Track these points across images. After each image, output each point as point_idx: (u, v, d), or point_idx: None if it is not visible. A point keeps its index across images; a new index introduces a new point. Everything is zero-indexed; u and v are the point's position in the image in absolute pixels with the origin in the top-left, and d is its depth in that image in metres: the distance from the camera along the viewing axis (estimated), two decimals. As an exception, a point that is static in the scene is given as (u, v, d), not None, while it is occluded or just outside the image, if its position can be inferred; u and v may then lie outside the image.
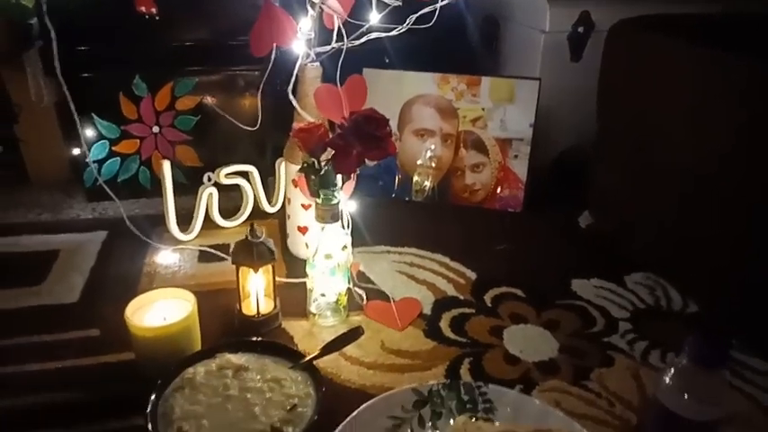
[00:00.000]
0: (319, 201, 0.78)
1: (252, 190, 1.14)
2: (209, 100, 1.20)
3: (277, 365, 0.71)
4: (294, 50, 0.86)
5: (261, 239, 0.80)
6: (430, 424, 0.69)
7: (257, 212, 1.15)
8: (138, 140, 1.20)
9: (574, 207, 1.23)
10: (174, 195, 1.09)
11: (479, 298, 0.95)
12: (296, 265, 1.00)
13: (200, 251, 1.05)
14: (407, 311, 0.90)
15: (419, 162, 1.27)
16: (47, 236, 1.09)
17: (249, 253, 0.79)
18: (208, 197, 1.08)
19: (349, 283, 0.86)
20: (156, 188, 1.23)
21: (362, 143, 0.69)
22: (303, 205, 0.98)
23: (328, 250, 0.81)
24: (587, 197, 1.22)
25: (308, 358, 0.71)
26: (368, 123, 0.69)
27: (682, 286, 0.98)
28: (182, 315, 0.73)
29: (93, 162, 1.17)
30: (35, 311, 0.88)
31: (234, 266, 0.82)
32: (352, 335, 0.73)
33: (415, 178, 1.28)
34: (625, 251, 1.07)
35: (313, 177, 0.76)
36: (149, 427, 0.61)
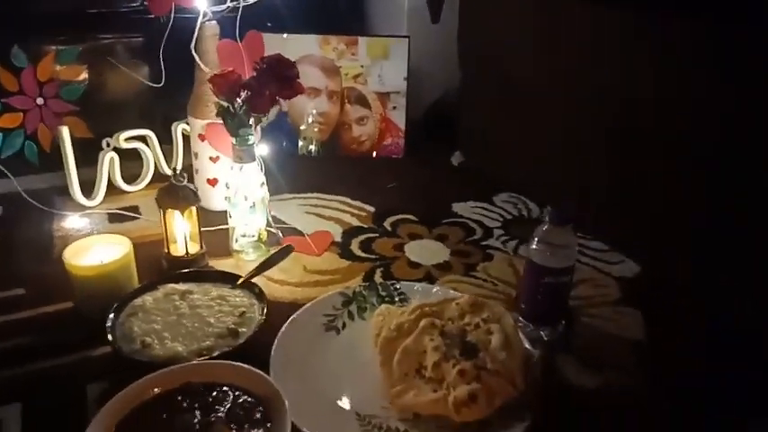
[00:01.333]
0: (236, 142, 0.87)
1: (151, 153, 1.17)
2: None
3: (218, 287, 0.80)
4: (195, 8, 0.93)
5: (184, 183, 0.87)
6: (358, 316, 0.83)
7: (156, 177, 1.19)
8: (22, 113, 1.17)
9: (446, 150, 1.43)
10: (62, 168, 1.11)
11: (380, 225, 1.10)
12: (207, 217, 1.06)
13: (109, 213, 1.08)
14: (321, 241, 1.02)
15: (302, 127, 1.38)
16: (-68, 216, 1.05)
17: (174, 196, 0.86)
18: (109, 161, 1.11)
19: (268, 217, 0.96)
20: (45, 163, 1.21)
21: (276, 83, 0.79)
22: (211, 158, 1.05)
23: (247, 189, 0.91)
24: (457, 140, 1.41)
25: (245, 276, 0.81)
26: (280, 65, 0.79)
27: (538, 199, 1.20)
28: (119, 255, 0.78)
29: (-27, 139, 1.13)
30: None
31: (150, 222, 0.88)
32: (284, 252, 0.84)
33: (300, 142, 1.39)
34: (490, 178, 1.28)
35: (230, 120, 0.84)
36: (110, 338, 0.68)
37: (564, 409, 0.69)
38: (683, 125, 0.92)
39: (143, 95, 1.32)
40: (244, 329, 0.72)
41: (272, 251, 0.89)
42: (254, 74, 0.81)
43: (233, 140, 0.88)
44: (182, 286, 0.79)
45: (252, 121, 0.86)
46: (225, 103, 0.85)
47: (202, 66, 0.97)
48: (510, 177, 1.27)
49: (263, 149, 0.96)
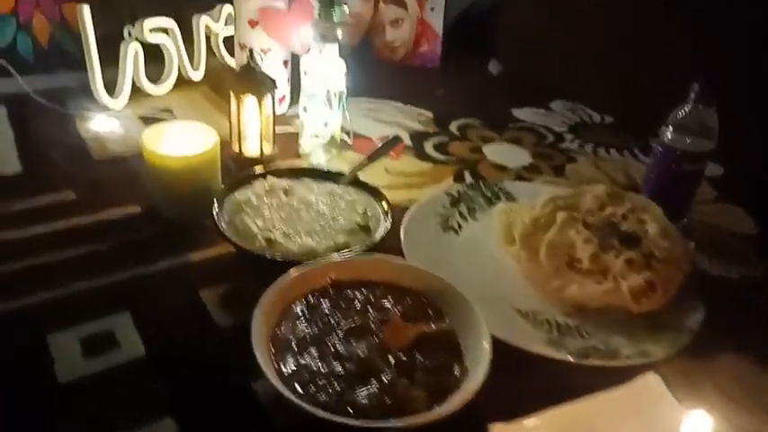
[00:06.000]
0: (321, 15, 0.75)
1: (175, 50, 1.01)
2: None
3: (319, 183, 0.69)
4: None
5: (261, 66, 0.74)
6: (470, 216, 0.75)
7: (179, 81, 1.04)
8: (14, -3, 0.97)
9: (481, 58, 1.33)
10: (65, 68, 0.95)
11: (446, 129, 1.01)
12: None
13: (142, 117, 0.93)
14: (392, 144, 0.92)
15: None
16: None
17: (252, 80, 0.73)
18: (134, 55, 0.94)
19: (345, 114, 0.85)
20: (41, 60, 1.04)
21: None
22: (263, 51, 0.91)
23: (328, 76, 0.79)
24: (495, 46, 1.32)
25: (353, 170, 0.70)
26: None
27: (594, 105, 1.15)
28: (206, 146, 0.66)
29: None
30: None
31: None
32: (392, 143, 0.74)
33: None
34: (537, 85, 1.20)
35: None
36: (230, 238, 0.57)
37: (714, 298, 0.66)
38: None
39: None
40: (371, 224, 0.63)
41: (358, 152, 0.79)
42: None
43: (316, 14, 0.75)
44: (280, 182, 0.68)
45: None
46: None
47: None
48: (558, 84, 1.20)
49: (341, 33, 0.83)
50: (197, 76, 1.07)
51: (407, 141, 0.95)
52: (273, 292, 0.49)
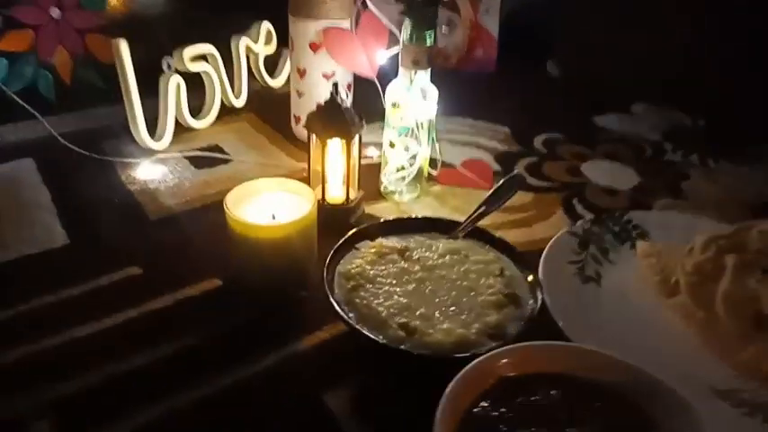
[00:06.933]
0: (412, 41, 0.63)
1: (217, 78, 0.90)
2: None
3: (435, 239, 0.58)
4: None
5: (346, 102, 0.63)
6: (605, 260, 0.63)
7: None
8: (32, 31, 0.85)
9: (536, 59, 1.22)
10: (91, 105, 0.84)
11: (530, 146, 0.89)
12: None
13: (190, 157, 0.81)
14: (481, 171, 0.81)
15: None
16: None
17: (340, 120, 0.61)
18: (176, 89, 0.82)
19: (435, 144, 0.73)
20: (64, 100, 0.92)
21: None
22: (325, 75, 0.79)
23: (417, 108, 0.67)
24: (553, 46, 1.20)
25: (468, 221, 0.59)
26: None
27: (681, 106, 1.03)
28: (303, 210, 0.54)
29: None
30: (31, 262, 0.60)
31: (247, 164, 0.63)
32: (510, 184, 0.61)
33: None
34: (606, 88, 1.08)
35: (414, 15, 0.60)
36: (363, 331, 0.45)
37: None
38: None
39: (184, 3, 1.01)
40: (517, 292, 0.51)
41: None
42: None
43: (404, 39, 0.64)
44: (389, 242, 0.56)
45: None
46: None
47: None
48: (633, 85, 1.08)
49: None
50: (239, 102, 0.95)
51: (494, 165, 0.83)
52: (445, 413, 0.38)
